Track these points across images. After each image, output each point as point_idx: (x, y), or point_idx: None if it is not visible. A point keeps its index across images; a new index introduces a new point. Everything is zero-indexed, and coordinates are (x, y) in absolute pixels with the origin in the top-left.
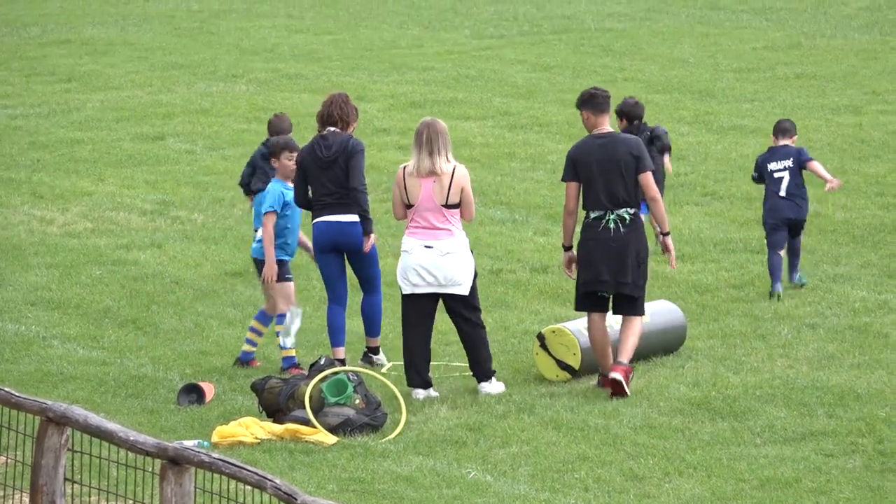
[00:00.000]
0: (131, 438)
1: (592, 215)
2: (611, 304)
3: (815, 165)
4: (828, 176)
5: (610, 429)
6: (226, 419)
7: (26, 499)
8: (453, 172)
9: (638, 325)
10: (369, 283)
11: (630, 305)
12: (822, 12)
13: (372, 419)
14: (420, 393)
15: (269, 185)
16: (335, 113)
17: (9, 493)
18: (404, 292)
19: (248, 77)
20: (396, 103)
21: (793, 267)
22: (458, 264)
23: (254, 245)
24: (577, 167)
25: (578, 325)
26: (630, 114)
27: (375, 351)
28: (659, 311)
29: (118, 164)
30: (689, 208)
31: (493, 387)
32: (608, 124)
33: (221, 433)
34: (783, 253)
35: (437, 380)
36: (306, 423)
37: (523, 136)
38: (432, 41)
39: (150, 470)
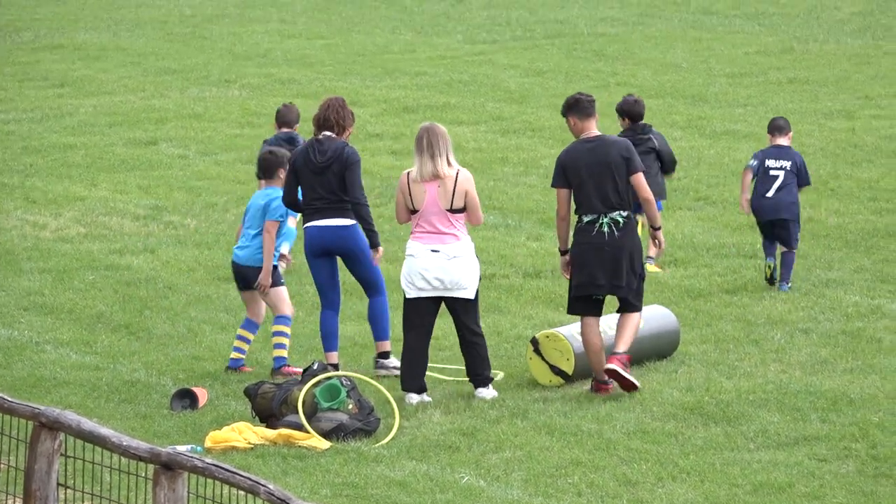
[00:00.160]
0: (124, 443)
1: (585, 219)
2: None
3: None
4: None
5: (603, 434)
6: (219, 424)
7: None
8: (457, 176)
9: (636, 318)
10: (371, 285)
11: (627, 304)
12: (815, 17)
13: (365, 424)
14: (413, 398)
15: (273, 193)
16: (331, 117)
17: (2, 499)
18: (409, 296)
19: (240, 82)
20: (389, 108)
21: (784, 278)
22: (464, 268)
23: (242, 253)
24: (567, 173)
25: (572, 330)
26: (630, 112)
27: (385, 356)
28: (652, 316)
29: (111, 169)
30: (681, 213)
31: (487, 392)
32: (595, 128)
33: (214, 438)
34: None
35: (431, 385)
36: (299, 428)
37: (516, 140)
38: (425, 46)
39: (144, 475)
